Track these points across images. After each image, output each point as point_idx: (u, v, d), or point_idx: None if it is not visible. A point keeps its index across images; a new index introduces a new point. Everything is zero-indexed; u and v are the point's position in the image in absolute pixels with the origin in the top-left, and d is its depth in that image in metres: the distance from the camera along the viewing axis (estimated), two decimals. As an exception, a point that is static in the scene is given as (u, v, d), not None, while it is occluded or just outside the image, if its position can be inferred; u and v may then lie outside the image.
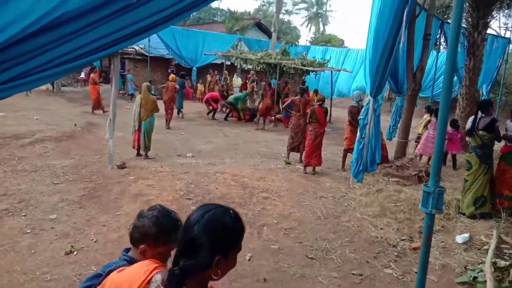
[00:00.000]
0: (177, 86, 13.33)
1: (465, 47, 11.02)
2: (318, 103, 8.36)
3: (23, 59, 1.78)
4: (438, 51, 11.84)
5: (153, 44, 20.29)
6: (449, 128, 9.27)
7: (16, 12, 1.64)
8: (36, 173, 6.99)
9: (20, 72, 1.82)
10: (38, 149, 8.44)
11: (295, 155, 9.21)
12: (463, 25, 10.92)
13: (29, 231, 4.90)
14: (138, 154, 8.66)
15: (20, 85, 1.85)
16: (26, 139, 9.14)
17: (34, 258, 4.30)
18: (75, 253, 4.47)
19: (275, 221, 5.68)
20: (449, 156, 9.50)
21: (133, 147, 8.67)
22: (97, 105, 14.07)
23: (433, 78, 12.41)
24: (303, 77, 16.95)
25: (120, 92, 20.46)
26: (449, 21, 10.93)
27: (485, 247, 5.02)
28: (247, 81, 17.55)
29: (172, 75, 13.28)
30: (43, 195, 6.03)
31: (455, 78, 12.36)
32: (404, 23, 5.58)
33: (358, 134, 6.50)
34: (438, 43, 11.84)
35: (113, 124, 2.98)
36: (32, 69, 1.84)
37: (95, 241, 4.77)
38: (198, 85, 18.64)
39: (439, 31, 10.66)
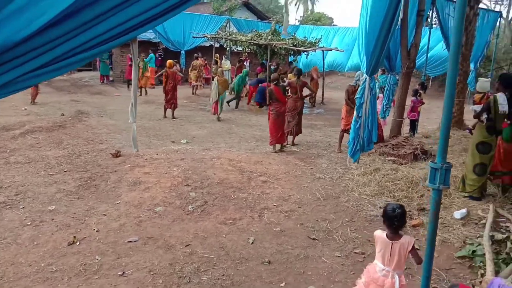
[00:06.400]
0: (181, 74, 12.58)
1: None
2: (273, 83, 8.45)
3: (51, 46, 1.81)
4: (431, 28, 11.76)
5: (139, 28, 19.84)
6: (413, 98, 10.09)
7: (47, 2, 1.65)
8: (30, 164, 6.89)
9: (49, 59, 1.84)
10: (29, 140, 8.30)
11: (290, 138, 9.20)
12: None
13: (29, 223, 4.85)
14: (218, 120, 11.83)
15: (46, 72, 1.89)
16: (17, 130, 8.99)
17: (37, 250, 4.27)
18: (77, 243, 4.45)
19: (275, 204, 5.70)
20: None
21: (213, 114, 11.97)
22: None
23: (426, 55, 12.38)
24: (295, 58, 16.81)
25: (110, 79, 20.14)
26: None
27: (482, 222, 5.12)
28: (244, 62, 17.35)
29: (169, 61, 12.09)
30: (39, 187, 5.96)
31: (447, 53, 12.38)
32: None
33: (355, 113, 6.48)
34: (430, 19, 11.73)
35: (135, 108, 2.92)
36: (58, 56, 1.87)
37: (96, 231, 4.74)
38: (191, 73, 17.95)
39: (431, 7, 10.58)
